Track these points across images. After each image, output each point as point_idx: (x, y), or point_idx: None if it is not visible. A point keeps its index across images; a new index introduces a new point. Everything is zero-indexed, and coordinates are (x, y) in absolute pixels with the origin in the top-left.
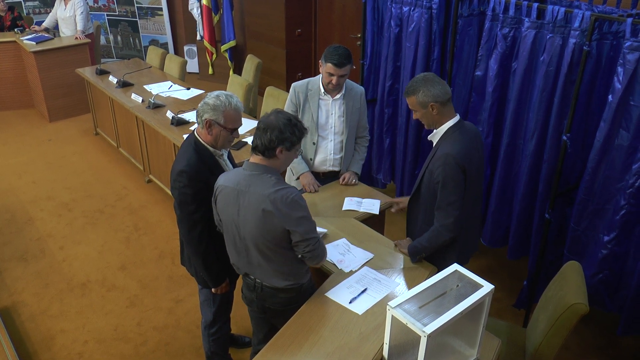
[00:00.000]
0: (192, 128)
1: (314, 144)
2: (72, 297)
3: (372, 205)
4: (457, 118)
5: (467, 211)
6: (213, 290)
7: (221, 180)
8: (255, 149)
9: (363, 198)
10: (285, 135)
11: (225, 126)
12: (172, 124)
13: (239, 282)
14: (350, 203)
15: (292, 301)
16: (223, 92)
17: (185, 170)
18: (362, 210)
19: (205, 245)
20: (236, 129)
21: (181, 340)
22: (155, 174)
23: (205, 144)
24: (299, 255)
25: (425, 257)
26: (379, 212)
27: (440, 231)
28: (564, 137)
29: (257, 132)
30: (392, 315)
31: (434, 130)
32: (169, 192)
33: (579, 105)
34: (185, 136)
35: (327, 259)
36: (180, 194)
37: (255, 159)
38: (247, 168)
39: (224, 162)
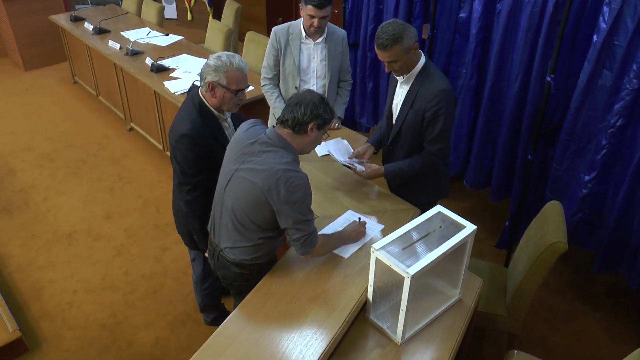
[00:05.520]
0: (173, 74)
1: (296, 88)
2: (59, 247)
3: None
4: (423, 55)
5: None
6: (205, 254)
7: (241, 130)
8: (284, 122)
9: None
10: (319, 111)
11: (229, 87)
12: (151, 70)
13: None
14: (325, 149)
15: (244, 278)
16: (225, 52)
17: (188, 134)
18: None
19: (203, 210)
20: (242, 90)
21: (169, 287)
22: (137, 121)
23: (211, 107)
24: (288, 241)
25: (416, 189)
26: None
27: (431, 159)
28: (548, 78)
29: (287, 107)
30: (376, 258)
31: (406, 75)
32: (152, 140)
33: (564, 46)
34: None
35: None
36: (182, 158)
37: (282, 132)
38: (271, 135)
39: (228, 125)
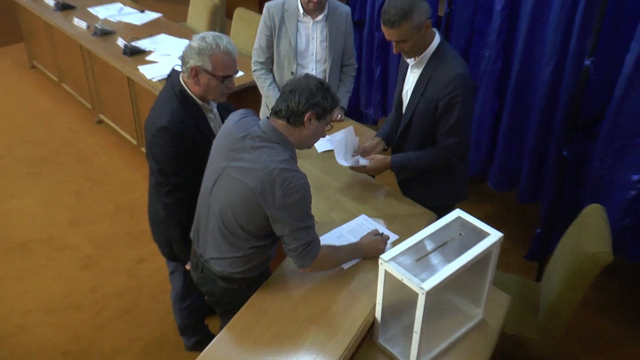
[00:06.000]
0: (150, 58)
1: (292, 73)
2: (9, 260)
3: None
4: (438, 34)
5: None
6: (187, 267)
7: (230, 122)
8: (277, 113)
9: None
10: (316, 99)
11: (215, 73)
12: (124, 53)
13: None
14: (326, 144)
15: (232, 294)
16: (211, 32)
17: (167, 127)
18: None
19: (185, 215)
20: (230, 77)
21: (144, 306)
22: (107, 113)
23: (194, 96)
24: (285, 250)
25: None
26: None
27: (444, 154)
28: (587, 62)
29: (281, 96)
30: (385, 271)
31: (417, 58)
32: (125, 135)
33: (606, 24)
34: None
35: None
36: (161, 155)
37: (277, 124)
38: (265, 128)
39: (214, 116)
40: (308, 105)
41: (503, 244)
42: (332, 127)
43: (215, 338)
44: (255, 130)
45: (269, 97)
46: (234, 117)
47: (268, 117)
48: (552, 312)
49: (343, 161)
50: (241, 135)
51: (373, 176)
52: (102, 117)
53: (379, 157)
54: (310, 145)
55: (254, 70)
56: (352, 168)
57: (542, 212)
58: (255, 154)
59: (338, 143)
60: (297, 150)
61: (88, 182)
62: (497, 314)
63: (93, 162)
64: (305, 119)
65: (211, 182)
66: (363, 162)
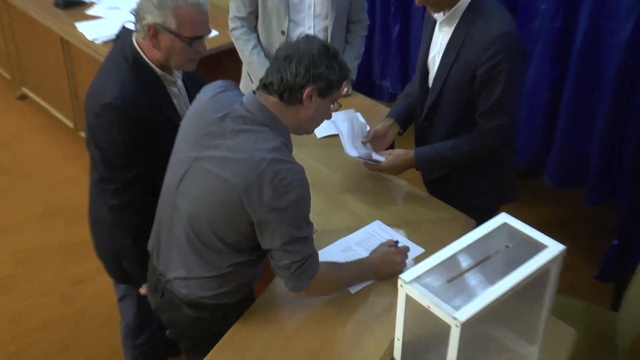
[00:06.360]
0: (91, 12)
1: (283, 33)
2: None
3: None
4: None
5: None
6: (141, 290)
7: (203, 98)
8: (267, 87)
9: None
10: (319, 70)
11: (180, 33)
12: (56, 6)
13: None
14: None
15: (203, 326)
16: None
17: (115, 104)
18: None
19: (139, 221)
20: (199, 38)
21: (84, 342)
22: (33, 85)
23: (151, 63)
24: (272, 268)
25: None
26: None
27: (486, 140)
28: None
29: (273, 64)
30: (406, 295)
31: (448, 11)
32: (57, 114)
33: None
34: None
35: None
36: (107, 141)
37: (267, 100)
38: (250, 106)
39: (178, 90)
40: (308, 77)
41: (566, 259)
42: (340, 105)
43: None
44: (237, 109)
45: (252, 64)
46: (208, 91)
47: (254, 92)
48: (635, 351)
49: (354, 152)
50: (219, 115)
51: None
52: (25, 91)
53: (399, 151)
54: (310, 130)
55: (232, 29)
56: (364, 163)
57: (618, 218)
58: (237, 140)
59: (346, 128)
60: (303, 137)
61: (7, 176)
62: (558, 353)
63: (14, 150)
64: (304, 96)
65: (177, 178)
66: (377, 157)
